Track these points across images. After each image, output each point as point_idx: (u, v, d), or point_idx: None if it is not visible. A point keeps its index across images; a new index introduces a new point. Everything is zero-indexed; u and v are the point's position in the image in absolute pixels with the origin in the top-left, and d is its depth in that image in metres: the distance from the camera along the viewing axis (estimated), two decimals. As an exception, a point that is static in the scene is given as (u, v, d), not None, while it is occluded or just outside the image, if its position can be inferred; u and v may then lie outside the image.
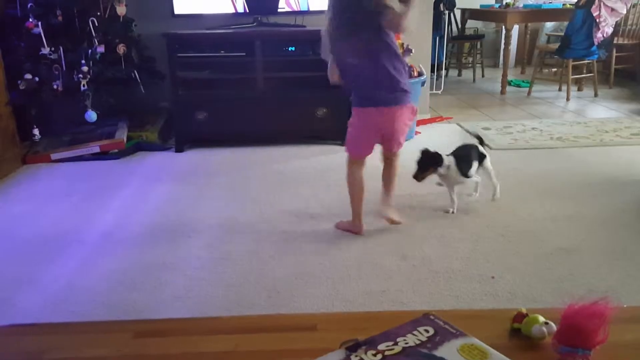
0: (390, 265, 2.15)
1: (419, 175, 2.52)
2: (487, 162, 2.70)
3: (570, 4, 5.36)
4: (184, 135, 3.82)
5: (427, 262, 2.16)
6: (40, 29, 3.35)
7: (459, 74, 6.90)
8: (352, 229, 2.45)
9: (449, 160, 2.55)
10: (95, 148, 3.60)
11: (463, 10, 6.55)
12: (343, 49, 2.28)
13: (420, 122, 4.17)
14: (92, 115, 3.52)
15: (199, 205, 2.80)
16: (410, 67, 3.90)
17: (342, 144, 3.77)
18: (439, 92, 5.40)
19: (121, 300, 1.93)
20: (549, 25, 7.18)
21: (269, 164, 3.46)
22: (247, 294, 1.96)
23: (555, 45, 5.46)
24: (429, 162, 2.51)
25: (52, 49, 3.39)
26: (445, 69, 6.29)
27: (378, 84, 2.26)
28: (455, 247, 2.28)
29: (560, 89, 5.68)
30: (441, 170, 2.53)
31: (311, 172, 3.28)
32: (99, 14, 3.57)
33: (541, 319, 0.85)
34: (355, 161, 2.44)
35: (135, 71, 3.66)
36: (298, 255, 2.24)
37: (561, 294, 1.89)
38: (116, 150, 3.63)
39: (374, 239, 2.38)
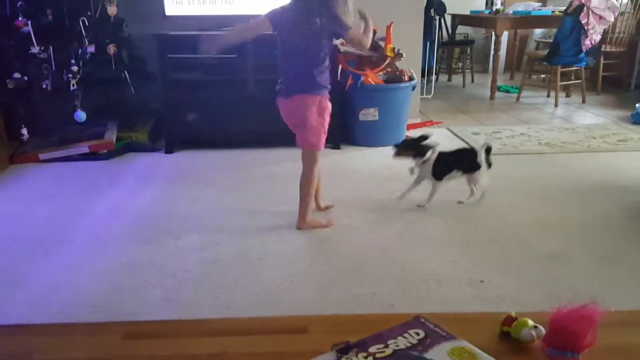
0: (380, 268, 2.15)
1: (397, 151, 2.68)
2: (479, 173, 2.70)
3: (559, 12, 5.42)
4: (174, 137, 3.80)
5: (417, 265, 2.17)
6: (29, 28, 3.32)
7: (449, 79, 6.94)
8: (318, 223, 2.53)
9: (431, 156, 2.62)
10: (84, 148, 3.58)
11: (453, 16, 6.59)
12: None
13: (411, 127, 4.19)
14: (81, 115, 3.50)
15: (188, 206, 2.79)
16: (401, 71, 3.92)
17: (333, 147, 3.80)
18: (429, 96, 5.42)
19: (109, 302, 1.92)
20: (538, 31, 7.25)
21: (259, 166, 3.45)
22: (237, 296, 1.95)
23: (544, 52, 5.51)
24: (413, 147, 2.65)
25: (42, 48, 3.36)
26: (435, 74, 6.32)
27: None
28: (444, 251, 2.29)
29: (548, 95, 5.73)
30: (418, 160, 2.65)
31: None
32: (89, 13, 3.54)
33: (530, 322, 0.86)
34: None
35: (126, 72, 3.64)
36: (287, 258, 2.24)
37: (549, 298, 1.91)
38: (105, 151, 3.61)
39: (363, 243, 2.38)
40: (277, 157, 3.62)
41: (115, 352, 0.85)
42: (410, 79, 3.88)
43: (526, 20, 5.80)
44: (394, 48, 3.88)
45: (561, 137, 4.11)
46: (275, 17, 2.32)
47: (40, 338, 0.90)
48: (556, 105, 5.28)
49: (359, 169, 3.41)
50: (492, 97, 5.67)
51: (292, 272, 2.11)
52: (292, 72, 2.38)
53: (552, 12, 5.65)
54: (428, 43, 5.25)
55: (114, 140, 3.66)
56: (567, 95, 5.72)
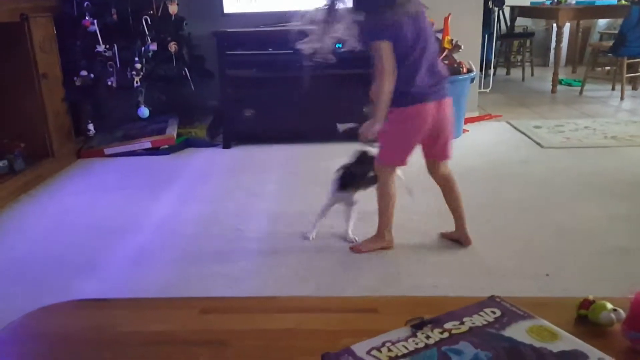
0: (440, 261, 2.13)
1: None
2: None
3: (625, 1, 5.19)
4: (232, 132, 3.87)
5: (479, 259, 2.13)
6: (95, 27, 3.46)
7: (507, 73, 6.76)
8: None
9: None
10: (146, 143, 3.70)
11: (513, 8, 6.42)
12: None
13: (469, 120, 4.11)
14: (144, 112, 3.62)
15: (247, 199, 2.83)
16: (460, 63, 3.85)
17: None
18: (487, 90, 5.30)
19: (176, 287, 1.98)
20: (602, 23, 6.96)
21: (315, 161, 3.47)
22: (295, 286, 1.98)
23: (608, 44, 5.29)
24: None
25: (107, 46, 3.50)
26: (493, 68, 6.18)
27: None
28: (508, 245, 2.24)
29: (613, 88, 5.50)
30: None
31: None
32: (151, 12, 3.66)
33: (609, 305, 0.83)
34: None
35: (186, 69, 3.74)
36: (345, 249, 2.25)
37: (618, 291, 1.83)
38: (166, 146, 3.72)
39: (421, 236, 2.35)
40: (333, 152, 3.60)
41: (192, 326, 0.88)
42: (469, 70, 3.81)
43: (590, 10, 5.58)
44: (451, 40, 3.82)
45: (628, 130, 3.94)
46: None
47: (122, 311, 0.94)
48: (622, 97, 5.06)
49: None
50: (553, 91, 5.49)
51: (349, 264, 2.12)
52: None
53: (619, 1, 5.42)
54: (486, 35, 5.13)
55: (175, 135, 3.76)
56: (634, 88, 5.48)
